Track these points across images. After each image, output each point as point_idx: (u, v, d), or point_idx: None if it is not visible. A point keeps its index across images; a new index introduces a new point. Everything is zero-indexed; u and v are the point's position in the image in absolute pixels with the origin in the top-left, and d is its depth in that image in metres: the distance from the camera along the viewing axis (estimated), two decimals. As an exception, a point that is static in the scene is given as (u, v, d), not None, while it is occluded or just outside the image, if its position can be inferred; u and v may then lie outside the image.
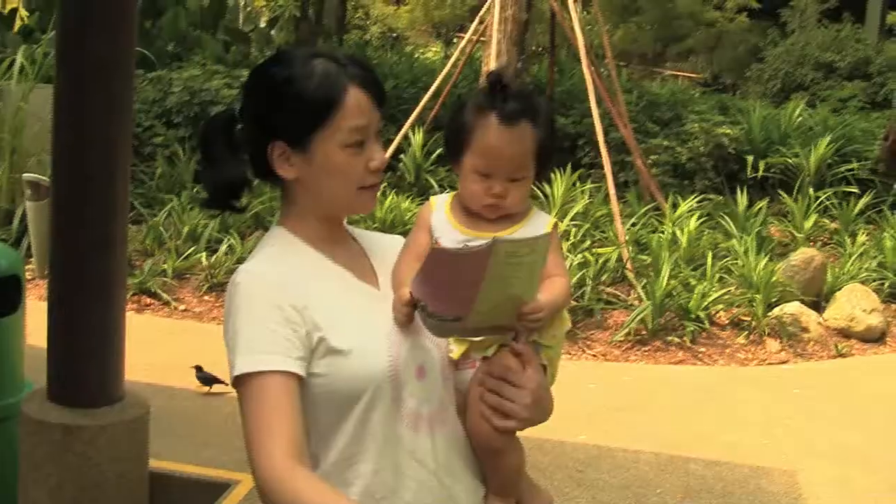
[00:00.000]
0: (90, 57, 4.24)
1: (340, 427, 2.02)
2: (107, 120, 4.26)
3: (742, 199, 11.51)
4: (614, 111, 11.63)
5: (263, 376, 1.93)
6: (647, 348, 8.59)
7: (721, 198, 11.99)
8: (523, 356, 2.09)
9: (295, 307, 1.99)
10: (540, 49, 18.37)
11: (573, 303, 8.90)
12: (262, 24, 18.40)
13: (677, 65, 27.93)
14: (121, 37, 4.29)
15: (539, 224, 2.23)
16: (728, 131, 12.79)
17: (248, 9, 19.31)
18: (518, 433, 2.15)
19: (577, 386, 7.39)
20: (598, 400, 7.38)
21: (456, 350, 2.15)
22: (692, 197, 11.38)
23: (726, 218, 11.09)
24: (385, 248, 2.28)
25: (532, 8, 12.70)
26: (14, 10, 16.28)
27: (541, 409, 2.12)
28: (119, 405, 4.47)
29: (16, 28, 15.19)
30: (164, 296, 9.04)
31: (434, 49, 27.29)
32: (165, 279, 9.30)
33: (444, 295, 2.00)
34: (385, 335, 2.08)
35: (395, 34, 30.92)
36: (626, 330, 8.69)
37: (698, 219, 10.68)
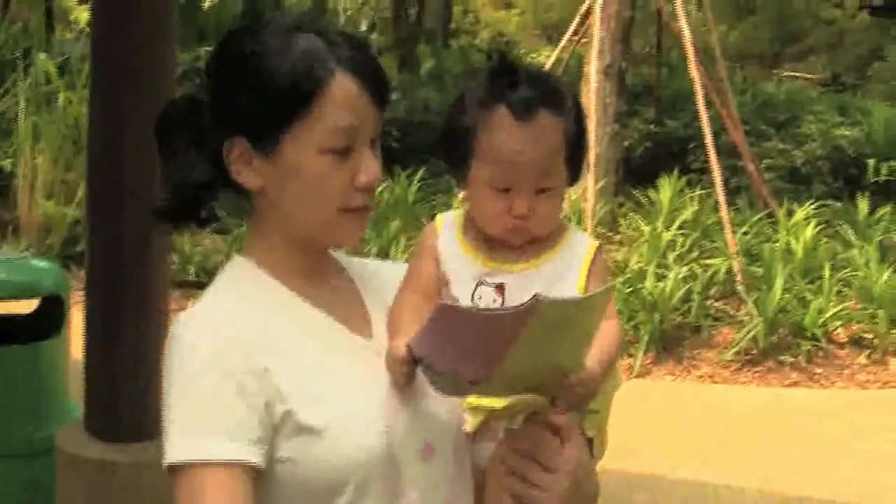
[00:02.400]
0: (126, 56, 3.91)
1: None
2: (143, 118, 3.91)
3: (863, 205, 10.80)
4: (725, 113, 11.02)
5: (203, 469, 1.44)
6: (758, 369, 8.02)
7: (840, 204, 11.28)
8: (561, 430, 1.58)
9: (251, 371, 1.50)
10: (648, 49, 17.75)
11: (679, 319, 8.36)
12: (363, 29, 18.15)
13: (795, 65, 27.00)
14: (161, 21, 3.96)
15: (578, 248, 1.72)
16: (847, 133, 12.09)
17: (349, 12, 19.09)
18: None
19: (680, 412, 6.87)
20: (703, 428, 6.82)
21: (471, 421, 1.64)
22: (808, 203, 10.69)
23: (845, 226, 10.40)
24: (384, 282, 1.76)
25: (639, 7, 12.13)
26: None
27: (582, 499, 1.60)
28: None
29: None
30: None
31: (546, 53, 26.81)
32: (249, 291, 8.99)
33: (459, 354, 1.49)
34: (377, 403, 1.58)
35: (505, 38, 30.54)
36: (736, 348, 8.12)
37: (815, 227, 10.00)
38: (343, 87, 1.57)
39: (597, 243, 1.75)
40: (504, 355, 1.44)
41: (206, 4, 17.56)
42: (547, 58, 22.77)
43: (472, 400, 1.61)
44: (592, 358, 1.57)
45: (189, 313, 1.58)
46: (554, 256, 1.70)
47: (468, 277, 1.68)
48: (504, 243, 1.70)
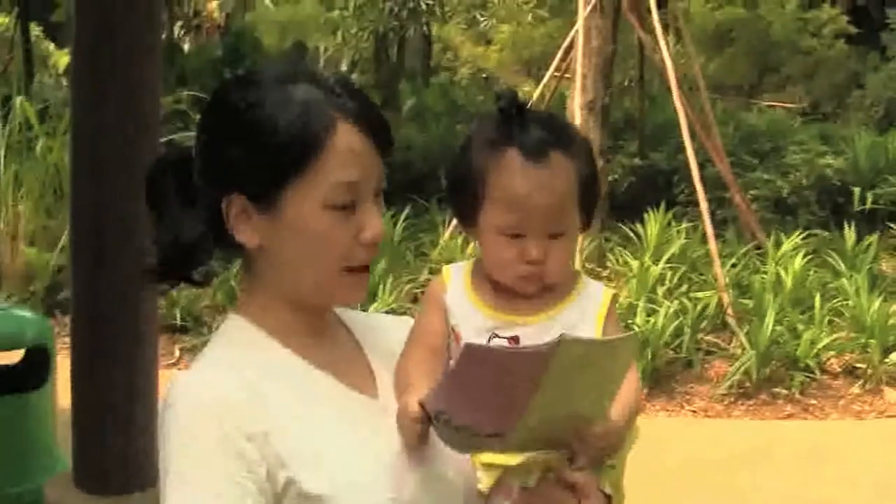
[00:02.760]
0: (108, 102, 3.84)
1: None
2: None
3: (850, 233, 10.68)
4: (709, 145, 10.96)
5: None
6: (751, 402, 7.88)
7: (827, 233, 11.19)
8: (579, 487, 1.51)
9: (251, 437, 1.43)
10: (629, 83, 17.76)
11: (670, 354, 8.26)
12: (343, 68, 18.12)
13: (774, 95, 27.05)
14: (144, 70, 3.87)
15: (593, 298, 1.65)
16: (832, 162, 12.03)
17: (329, 52, 19.07)
18: None
19: (675, 447, 6.71)
20: (700, 463, 6.68)
21: (485, 480, 1.56)
22: (796, 233, 10.61)
23: (834, 255, 10.30)
24: (387, 336, 1.69)
25: (619, 41, 12.09)
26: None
27: None
28: (154, 490, 4.00)
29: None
30: (235, 354, 8.56)
31: (526, 88, 26.82)
32: (235, 336, 8.83)
33: (479, 404, 1.42)
34: (385, 466, 1.50)
35: (485, 75, 30.51)
36: (729, 382, 7.98)
37: (804, 257, 9.91)
38: (346, 139, 1.50)
39: (612, 292, 1.69)
40: (527, 400, 1.38)
41: (186, 47, 17.53)
42: (528, 93, 22.82)
43: (486, 457, 1.55)
44: (616, 410, 1.51)
45: (183, 377, 1.51)
46: (569, 306, 1.63)
47: (480, 330, 1.60)
48: (516, 293, 1.63)
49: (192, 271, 1.63)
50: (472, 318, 1.62)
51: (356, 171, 1.51)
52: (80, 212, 3.94)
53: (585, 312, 1.63)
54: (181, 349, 8.35)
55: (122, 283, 3.88)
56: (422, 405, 1.49)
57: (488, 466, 1.55)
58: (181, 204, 1.59)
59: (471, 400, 1.42)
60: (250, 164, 1.51)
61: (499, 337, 1.60)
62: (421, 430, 1.50)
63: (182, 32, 22.26)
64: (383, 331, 1.72)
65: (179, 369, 7.96)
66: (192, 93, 11.72)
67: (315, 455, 1.46)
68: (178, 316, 8.63)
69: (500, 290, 1.64)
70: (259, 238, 1.54)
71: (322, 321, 1.64)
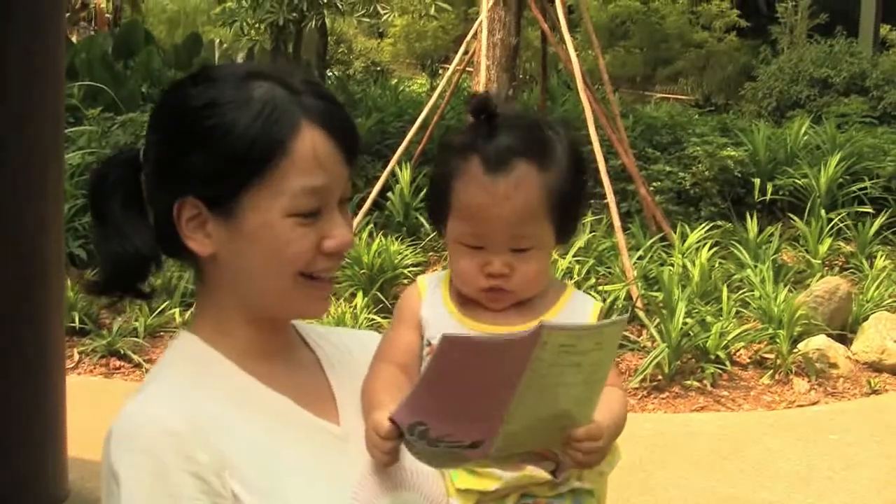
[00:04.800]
0: (10, 100, 3.60)
1: None
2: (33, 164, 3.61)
3: (752, 225, 10.80)
4: (613, 137, 10.97)
5: None
6: (664, 395, 7.86)
7: (730, 224, 11.29)
8: None
9: (201, 470, 1.30)
10: (529, 77, 17.79)
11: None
12: (240, 61, 17.81)
13: (667, 87, 27.45)
14: (47, 77, 3.64)
15: (580, 310, 1.56)
16: (733, 153, 12.14)
17: (224, 45, 18.73)
18: None
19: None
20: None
21: None
22: (701, 226, 10.67)
23: (738, 246, 10.38)
24: (351, 354, 1.56)
25: (520, 34, 12.05)
26: None
27: None
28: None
29: None
30: (136, 357, 8.24)
31: (420, 81, 26.86)
32: (137, 339, 8.55)
33: (457, 409, 1.31)
34: (349, 496, 1.38)
35: (379, 68, 30.43)
36: (641, 375, 7.95)
37: (708, 249, 9.96)
38: (311, 142, 1.37)
39: (600, 304, 1.59)
40: (509, 396, 1.28)
41: (75, 39, 17.06)
42: (422, 87, 22.73)
43: (461, 483, 1.44)
44: (602, 414, 1.41)
45: (130, 406, 1.35)
46: (554, 318, 1.52)
47: None
48: (484, 307, 1.53)
49: (140, 283, 1.48)
50: (451, 329, 1.50)
51: (321, 177, 1.39)
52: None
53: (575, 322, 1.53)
54: (80, 353, 8.06)
55: (24, 292, 3.66)
56: (392, 421, 1.36)
57: (463, 493, 1.45)
58: (127, 211, 1.45)
59: (449, 404, 1.32)
60: (207, 166, 1.37)
61: (501, 335, 1.50)
62: (392, 448, 1.39)
63: (70, 25, 21.66)
64: (347, 347, 1.60)
65: (79, 374, 7.68)
66: (85, 83, 11.36)
67: (275, 488, 1.35)
68: (77, 319, 8.32)
69: (478, 301, 1.54)
70: (213, 246, 1.41)
71: (281, 339, 1.52)
